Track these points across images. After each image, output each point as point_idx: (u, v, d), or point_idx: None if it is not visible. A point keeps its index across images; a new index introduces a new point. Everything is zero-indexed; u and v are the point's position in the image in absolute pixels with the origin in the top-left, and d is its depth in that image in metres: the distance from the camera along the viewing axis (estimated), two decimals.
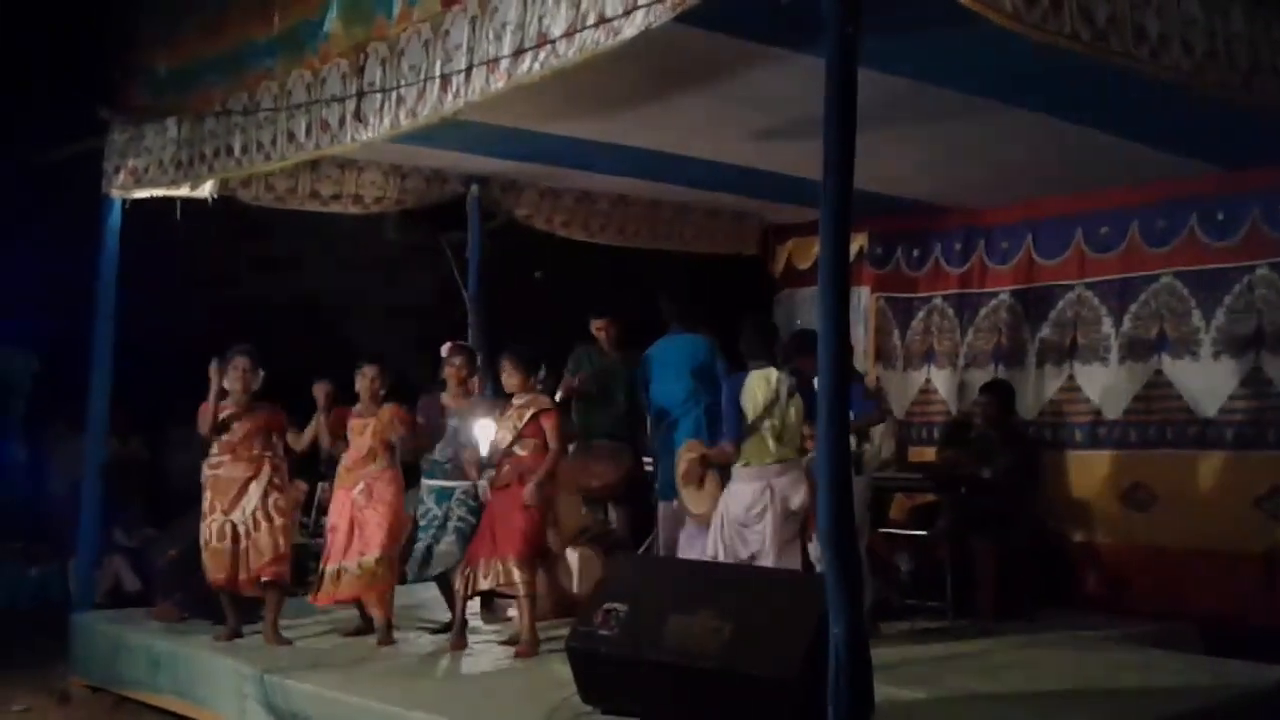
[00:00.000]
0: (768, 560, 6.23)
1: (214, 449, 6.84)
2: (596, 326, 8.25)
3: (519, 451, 6.55)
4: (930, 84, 6.24)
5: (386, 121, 5.94)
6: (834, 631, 4.10)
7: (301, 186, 8.25)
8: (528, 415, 6.55)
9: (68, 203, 8.31)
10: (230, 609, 6.82)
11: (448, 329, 8.55)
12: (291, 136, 6.55)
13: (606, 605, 4.89)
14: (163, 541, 7.70)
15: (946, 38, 5.26)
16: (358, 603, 6.85)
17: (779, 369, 6.43)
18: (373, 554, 6.62)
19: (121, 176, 7.74)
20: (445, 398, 7.16)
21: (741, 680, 4.43)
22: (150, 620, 7.28)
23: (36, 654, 7.81)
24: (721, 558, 6.31)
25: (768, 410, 6.37)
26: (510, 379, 6.64)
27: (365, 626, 6.85)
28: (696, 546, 6.92)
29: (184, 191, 7.53)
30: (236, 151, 6.94)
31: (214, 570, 6.75)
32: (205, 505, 6.83)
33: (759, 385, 6.42)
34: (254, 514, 6.73)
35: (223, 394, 6.81)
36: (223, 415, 6.82)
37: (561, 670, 5.02)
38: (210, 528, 6.76)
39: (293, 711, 5.77)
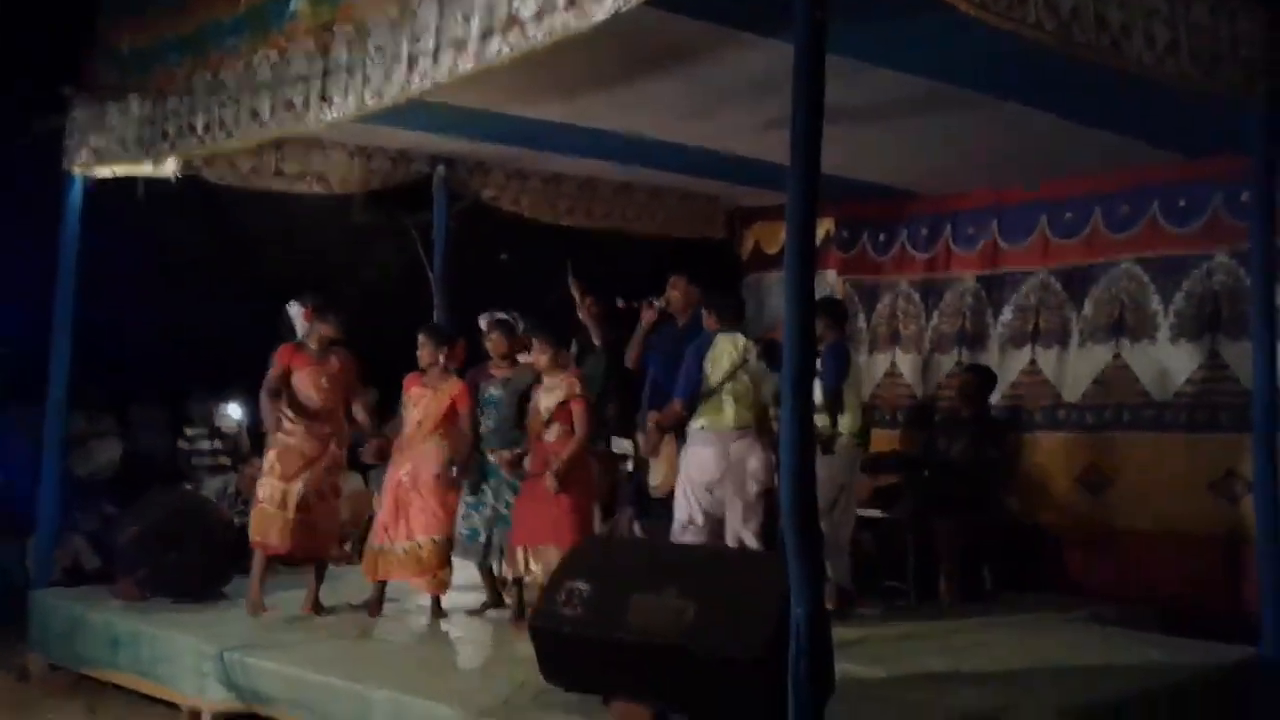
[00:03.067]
0: (735, 524, 6.30)
1: (289, 419, 6.90)
2: (587, 304, 8.21)
3: (547, 438, 6.54)
4: (898, 71, 6.27)
5: (352, 102, 5.90)
6: (795, 612, 4.14)
7: (266, 166, 8.20)
8: (556, 400, 6.54)
9: (30, 182, 8.21)
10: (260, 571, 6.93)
11: (414, 310, 8.54)
12: (255, 115, 6.49)
13: (569, 584, 4.90)
14: (124, 520, 7.65)
15: (914, 25, 5.30)
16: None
17: (747, 337, 6.51)
18: (417, 539, 6.68)
19: (83, 154, 7.67)
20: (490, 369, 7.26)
21: (704, 660, 4.44)
22: (112, 598, 7.24)
23: None
24: (699, 520, 6.37)
25: (731, 374, 6.42)
26: (539, 357, 6.62)
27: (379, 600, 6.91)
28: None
29: (146, 169, 7.47)
30: (199, 130, 6.87)
31: (257, 531, 6.87)
32: (266, 466, 6.97)
33: (726, 348, 6.49)
34: (315, 489, 6.84)
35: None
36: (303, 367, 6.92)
37: (525, 649, 5.04)
38: (266, 489, 6.87)
39: (253, 689, 5.78)
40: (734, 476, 6.39)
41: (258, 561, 6.90)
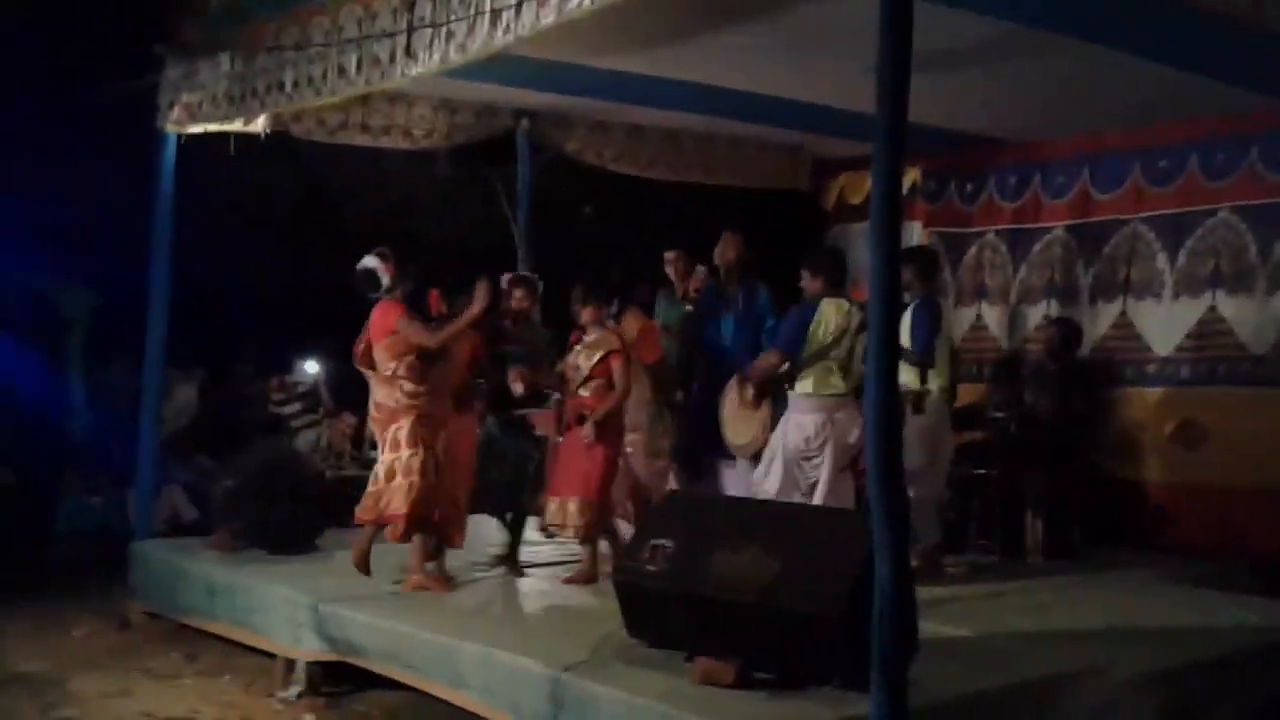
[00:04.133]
0: (821, 493, 6.27)
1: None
2: (668, 259, 8.22)
3: (583, 393, 6.60)
4: (985, 15, 6.14)
5: (436, 57, 5.92)
6: (879, 570, 4.12)
7: (352, 120, 8.27)
8: (596, 356, 6.57)
9: (125, 139, 8.36)
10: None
11: (500, 264, 8.59)
12: (342, 71, 6.55)
13: (654, 541, 4.93)
14: (220, 473, 7.83)
15: None
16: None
17: (850, 302, 6.44)
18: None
19: (176, 112, 7.78)
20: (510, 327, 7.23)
21: (786, 616, 4.46)
22: (207, 549, 7.42)
23: (98, 581, 8.02)
24: (778, 491, 6.33)
25: (837, 340, 6.35)
26: (582, 310, 6.64)
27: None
28: (741, 485, 6.95)
29: (237, 126, 7.57)
30: (288, 86, 6.95)
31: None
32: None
33: (832, 313, 6.41)
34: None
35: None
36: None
37: (610, 605, 5.08)
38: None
39: (347, 640, 5.90)
40: (835, 445, 6.33)
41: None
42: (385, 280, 6.42)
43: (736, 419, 7.09)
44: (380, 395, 6.45)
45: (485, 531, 7.21)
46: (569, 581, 6.57)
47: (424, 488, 6.25)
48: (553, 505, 6.62)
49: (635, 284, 8.11)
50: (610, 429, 6.60)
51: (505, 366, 7.03)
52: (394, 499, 6.28)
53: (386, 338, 6.39)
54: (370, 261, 6.46)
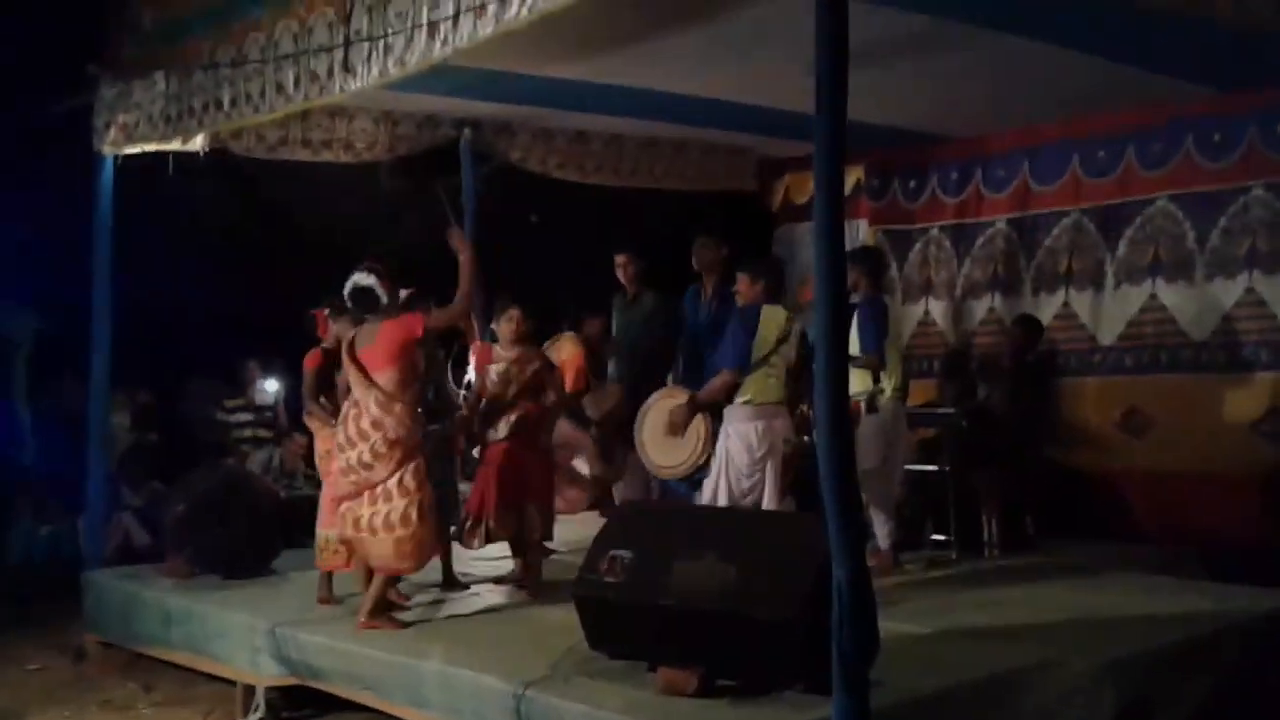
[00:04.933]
0: (768, 501, 6.26)
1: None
2: (619, 263, 8.24)
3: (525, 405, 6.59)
4: (923, 13, 6.20)
5: (375, 70, 5.88)
6: (836, 573, 4.13)
7: (292, 136, 8.22)
8: (530, 369, 6.58)
9: (63, 160, 8.25)
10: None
11: (446, 275, 8.52)
12: (280, 88, 6.50)
13: (612, 552, 4.92)
14: (171, 497, 7.73)
15: None
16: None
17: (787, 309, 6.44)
18: None
19: (112, 133, 7.69)
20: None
21: (745, 623, 4.46)
22: (161, 576, 7.32)
23: (50, 611, 7.90)
24: (723, 503, 6.30)
25: (776, 348, 6.31)
26: (513, 326, 6.61)
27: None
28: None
29: (175, 146, 7.49)
30: (225, 104, 6.89)
31: None
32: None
33: (773, 320, 6.36)
34: None
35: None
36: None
37: (570, 618, 5.07)
38: None
39: (307, 663, 5.85)
40: (775, 452, 6.29)
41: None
42: (384, 296, 6.00)
43: (664, 441, 6.71)
44: (378, 422, 5.78)
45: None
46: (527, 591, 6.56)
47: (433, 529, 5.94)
48: (509, 514, 6.55)
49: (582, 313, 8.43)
50: (545, 436, 6.75)
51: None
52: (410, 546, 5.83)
53: (402, 361, 5.87)
54: (365, 279, 5.97)
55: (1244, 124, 8.00)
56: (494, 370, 6.62)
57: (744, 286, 6.56)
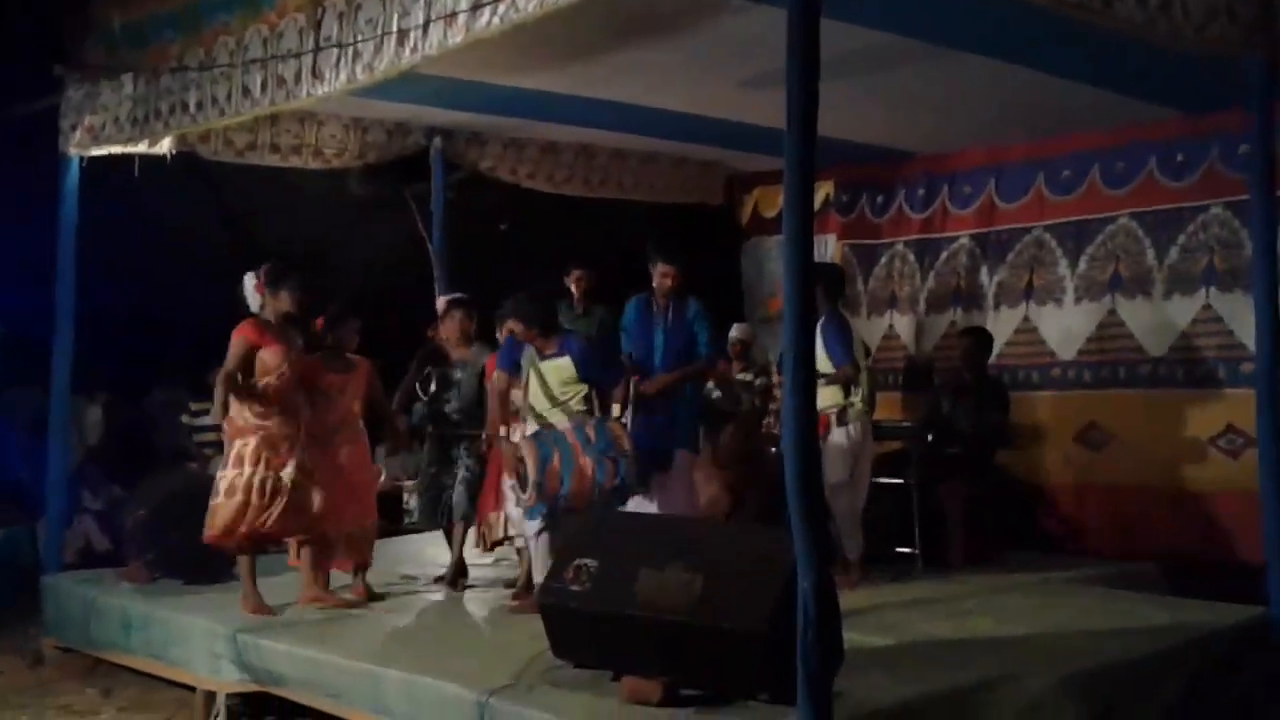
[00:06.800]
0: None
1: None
2: (575, 278, 8.22)
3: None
4: (892, 33, 6.24)
5: (343, 77, 5.90)
6: (802, 585, 4.15)
7: (261, 141, 8.20)
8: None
9: (25, 162, 8.18)
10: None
11: (414, 283, 8.52)
12: (247, 92, 6.49)
13: (577, 561, 4.92)
14: (131, 502, 7.67)
15: None
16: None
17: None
18: None
19: (78, 134, 7.65)
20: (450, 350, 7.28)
21: (711, 633, 4.47)
22: (122, 581, 7.26)
23: (8, 616, 7.82)
24: None
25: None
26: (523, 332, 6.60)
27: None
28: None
29: (142, 148, 7.44)
30: (192, 108, 6.88)
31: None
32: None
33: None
34: None
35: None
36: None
37: (534, 626, 5.06)
38: None
39: (267, 669, 5.81)
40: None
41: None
42: (251, 301, 6.51)
43: None
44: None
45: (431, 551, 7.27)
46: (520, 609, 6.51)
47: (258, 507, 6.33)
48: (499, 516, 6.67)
49: None
50: None
51: (447, 386, 7.18)
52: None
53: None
54: (245, 282, 6.53)
55: (1207, 145, 8.08)
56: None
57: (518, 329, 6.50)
